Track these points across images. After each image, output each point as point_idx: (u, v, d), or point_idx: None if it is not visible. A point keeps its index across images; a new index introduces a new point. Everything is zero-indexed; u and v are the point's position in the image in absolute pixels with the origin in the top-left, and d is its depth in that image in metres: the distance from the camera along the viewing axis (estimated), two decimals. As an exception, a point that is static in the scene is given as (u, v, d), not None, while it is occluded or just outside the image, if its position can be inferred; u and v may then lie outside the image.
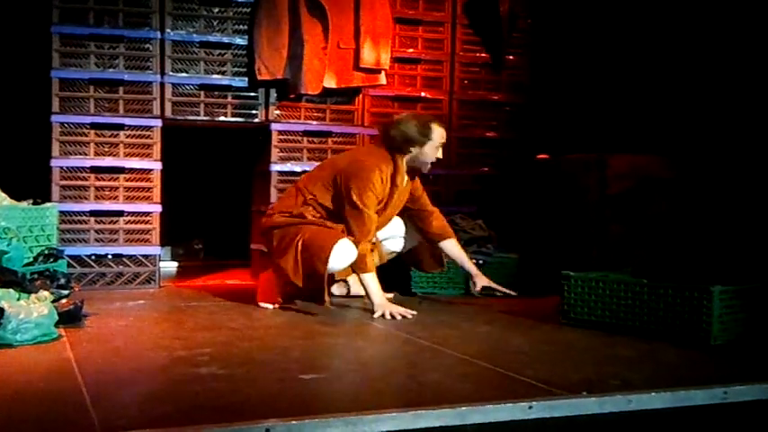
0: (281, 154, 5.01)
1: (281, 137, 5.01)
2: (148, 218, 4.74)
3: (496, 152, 5.49)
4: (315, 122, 5.08)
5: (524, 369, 2.72)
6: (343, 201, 4.00)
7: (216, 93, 4.87)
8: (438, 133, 4.12)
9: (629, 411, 2.39)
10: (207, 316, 3.82)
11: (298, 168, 5.01)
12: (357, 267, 3.97)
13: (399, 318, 3.76)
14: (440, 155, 4.18)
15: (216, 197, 6.10)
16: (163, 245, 4.98)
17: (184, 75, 4.81)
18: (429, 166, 4.20)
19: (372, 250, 4.13)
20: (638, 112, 5.12)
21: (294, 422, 2.09)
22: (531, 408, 2.29)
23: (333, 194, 4.07)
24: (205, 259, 6.14)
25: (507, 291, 4.32)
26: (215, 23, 4.85)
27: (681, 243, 4.49)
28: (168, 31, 4.76)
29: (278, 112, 5.00)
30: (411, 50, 5.32)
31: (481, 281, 4.31)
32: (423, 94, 5.36)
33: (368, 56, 4.93)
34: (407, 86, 5.34)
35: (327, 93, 4.99)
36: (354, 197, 3.95)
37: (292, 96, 4.94)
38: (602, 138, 5.12)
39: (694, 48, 4.86)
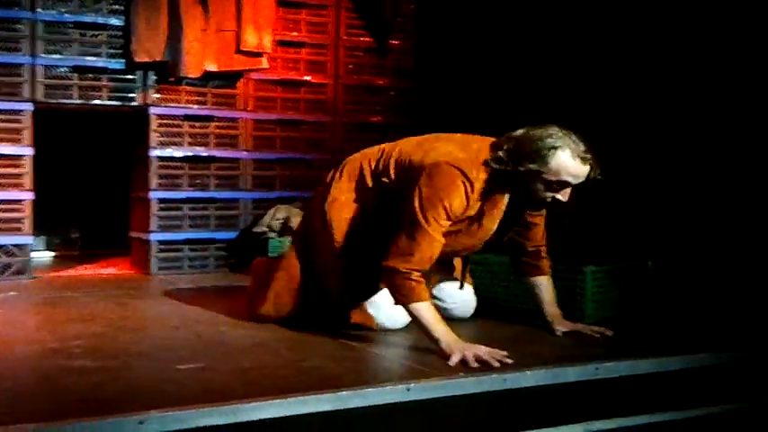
0: (160, 139, 4.89)
1: (161, 121, 4.88)
2: (19, 206, 4.54)
3: (382, 137, 5.45)
4: (196, 106, 4.98)
5: (404, 352, 2.74)
6: (402, 205, 2.87)
7: (91, 75, 4.70)
8: (561, 164, 2.74)
9: (506, 390, 2.44)
10: (82, 307, 3.69)
11: (179, 153, 4.91)
12: (402, 297, 2.80)
13: (476, 365, 2.55)
14: (563, 198, 2.82)
15: (93, 184, 5.91)
16: (37, 234, 4.82)
17: (57, 56, 4.62)
18: (536, 205, 2.96)
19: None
20: (525, 95, 5.21)
21: (169, 413, 2.04)
22: (409, 390, 2.31)
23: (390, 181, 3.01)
24: (82, 248, 5.96)
25: (600, 330, 3.04)
26: (89, 3, 4.67)
27: (558, 225, 4.60)
28: (39, 10, 4.57)
29: (157, 95, 4.86)
30: (294, 34, 5.27)
31: (562, 325, 3.09)
32: (307, 78, 5.32)
33: (249, 39, 4.86)
34: (291, 70, 5.29)
35: (209, 76, 4.89)
36: (417, 208, 2.78)
37: (172, 79, 4.83)
38: (489, 122, 5.17)
39: (582, 31, 4.96)
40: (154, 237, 4.88)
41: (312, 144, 5.35)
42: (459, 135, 3.02)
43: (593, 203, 4.46)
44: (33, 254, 4.68)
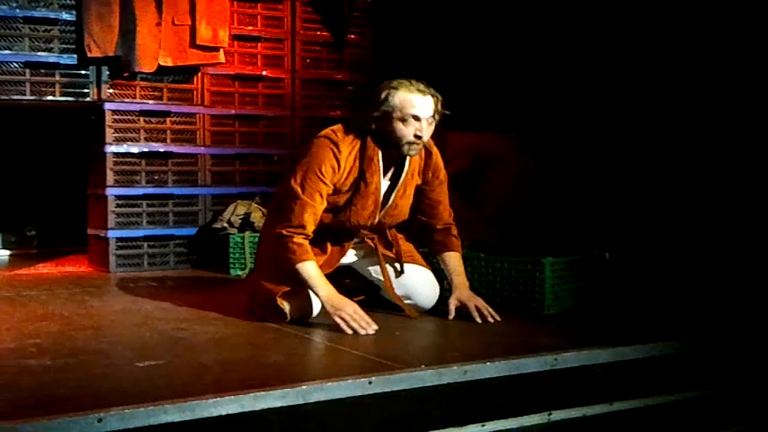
0: (116, 135, 4.83)
1: (116, 116, 4.83)
2: (-28, 204, 4.48)
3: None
4: (152, 101, 4.93)
5: (365, 346, 2.73)
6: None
7: (43, 71, 4.63)
8: (401, 99, 3.03)
9: (467, 381, 2.45)
10: (39, 305, 3.64)
11: (135, 149, 4.86)
12: (288, 260, 3.02)
13: (349, 331, 2.89)
14: (420, 132, 3.05)
15: (49, 181, 5.83)
16: (-9, 232, 4.74)
17: (7, 52, 4.55)
18: (406, 147, 3.09)
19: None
20: (479, 88, 5.24)
21: (127, 410, 2.02)
22: (370, 383, 2.31)
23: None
24: (39, 246, 5.88)
25: (487, 314, 3.14)
26: (39, -2, 4.62)
27: (520, 217, 4.64)
28: (-12, 6, 4.50)
29: (111, 90, 4.81)
30: (250, 28, 5.24)
31: (458, 297, 3.21)
32: (264, 72, 5.29)
33: (204, 33, 4.82)
34: (248, 65, 5.26)
35: (164, 71, 4.84)
36: (292, 180, 3.06)
37: (126, 74, 4.77)
38: (444, 115, 5.19)
39: (536, 26, 5.00)
40: (112, 234, 4.82)
41: (271, 139, 5.33)
42: None
43: (551, 195, 4.52)
44: (-12, 253, 4.61)
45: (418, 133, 3.05)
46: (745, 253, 3.87)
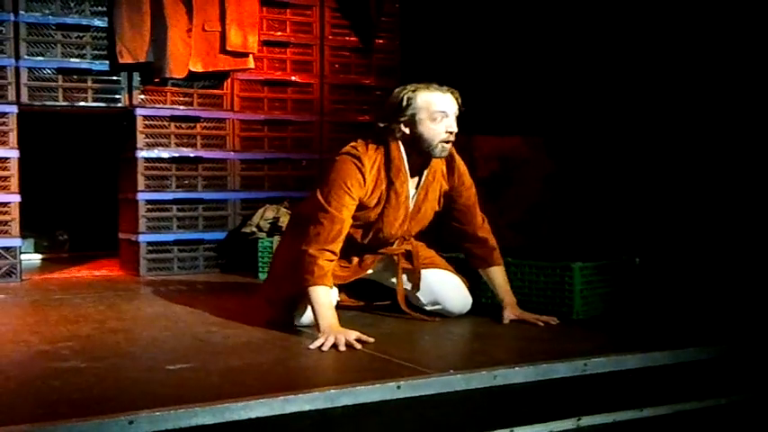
0: (147, 140, 4.88)
1: (147, 122, 4.88)
2: (7, 208, 4.53)
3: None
4: (182, 107, 4.97)
5: (393, 350, 2.73)
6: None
7: (75, 77, 4.69)
8: (425, 99, 3.04)
9: (496, 386, 2.44)
10: (71, 309, 3.68)
11: (165, 154, 4.91)
12: (306, 280, 2.94)
13: (343, 348, 2.75)
14: (450, 127, 3.05)
15: (81, 186, 5.90)
16: (25, 236, 4.79)
17: (41, 58, 4.61)
18: (440, 147, 3.08)
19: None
20: (505, 93, 5.23)
21: (158, 413, 2.03)
22: (399, 388, 2.31)
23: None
24: (71, 250, 5.95)
25: (546, 319, 3.17)
26: (72, 5, 4.68)
27: (548, 221, 4.62)
28: (22, 12, 4.57)
29: (142, 96, 4.86)
30: (279, 34, 5.28)
31: (511, 313, 3.22)
32: (293, 78, 5.32)
33: (234, 39, 4.86)
34: (277, 70, 5.29)
35: (194, 76, 4.88)
36: (319, 196, 3.03)
37: (157, 80, 4.82)
38: (471, 120, 5.20)
39: (562, 31, 4.99)
40: (142, 238, 4.87)
41: (300, 144, 5.36)
42: None
43: (581, 200, 4.50)
44: (22, 256, 4.66)
45: (450, 129, 3.05)
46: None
